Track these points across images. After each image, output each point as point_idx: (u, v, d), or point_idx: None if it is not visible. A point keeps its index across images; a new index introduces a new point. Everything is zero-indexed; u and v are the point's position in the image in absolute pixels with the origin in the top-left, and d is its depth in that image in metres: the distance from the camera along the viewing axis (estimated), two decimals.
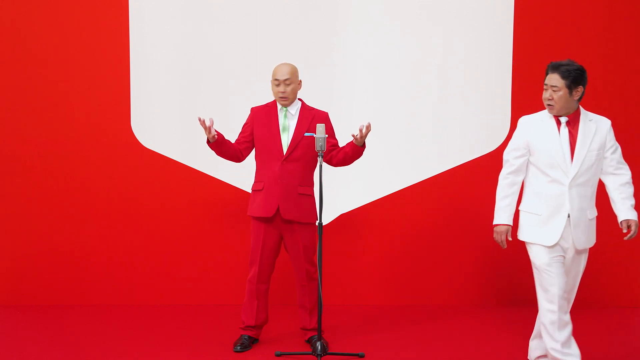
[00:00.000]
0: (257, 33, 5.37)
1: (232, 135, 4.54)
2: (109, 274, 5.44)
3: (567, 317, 3.86)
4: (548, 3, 5.39)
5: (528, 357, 4.21)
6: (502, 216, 3.97)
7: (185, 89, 5.40)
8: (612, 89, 5.39)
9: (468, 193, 5.49)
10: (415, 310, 5.36)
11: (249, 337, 4.54)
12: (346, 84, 5.42)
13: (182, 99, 5.40)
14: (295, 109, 4.47)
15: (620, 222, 3.87)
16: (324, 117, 4.48)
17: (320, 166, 4.17)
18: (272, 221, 4.42)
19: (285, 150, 4.40)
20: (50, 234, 5.41)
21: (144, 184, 5.42)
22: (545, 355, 4.05)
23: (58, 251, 5.41)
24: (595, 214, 3.93)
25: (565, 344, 3.81)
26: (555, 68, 3.79)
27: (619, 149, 3.93)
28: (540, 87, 5.22)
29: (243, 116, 4.57)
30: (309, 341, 4.53)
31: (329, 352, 4.36)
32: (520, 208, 4.00)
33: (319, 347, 4.27)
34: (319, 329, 4.31)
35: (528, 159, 3.92)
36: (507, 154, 4.00)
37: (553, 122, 3.86)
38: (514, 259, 5.29)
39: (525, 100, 5.37)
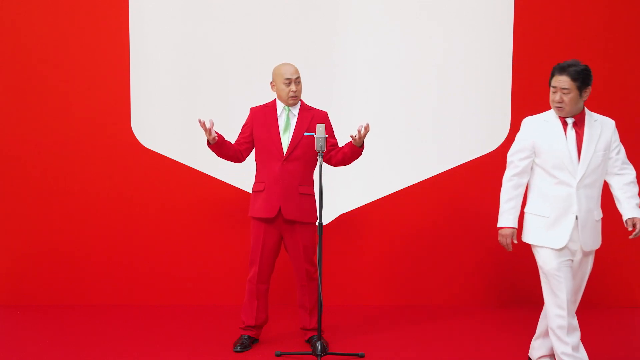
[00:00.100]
0: (257, 33, 5.37)
1: (232, 135, 4.54)
2: (109, 274, 5.44)
3: (576, 322, 3.82)
4: (548, 3, 5.39)
5: (529, 355, 4.20)
6: (507, 219, 3.91)
7: (185, 89, 5.40)
8: (612, 89, 5.39)
9: (468, 193, 5.49)
10: (415, 310, 5.36)
11: (249, 337, 4.54)
12: (346, 84, 5.42)
13: (182, 98, 5.39)
14: (296, 109, 4.47)
15: (625, 220, 3.83)
16: (323, 117, 4.48)
17: (320, 166, 4.17)
18: (273, 221, 4.42)
19: (285, 150, 4.40)
20: (50, 234, 5.40)
21: (144, 184, 5.42)
22: (547, 356, 4.04)
23: (58, 251, 5.41)
24: (601, 215, 3.90)
25: (575, 348, 3.79)
26: (563, 69, 3.72)
27: (623, 149, 3.90)
28: (540, 87, 5.25)
29: (243, 116, 4.57)
30: (309, 341, 4.53)
31: (329, 352, 4.36)
32: (525, 210, 3.94)
33: (319, 347, 4.27)
34: (319, 329, 4.31)
35: (533, 161, 3.87)
36: (511, 156, 3.93)
37: (559, 122, 3.81)
38: (514, 259, 5.28)
39: (525, 100, 5.37)
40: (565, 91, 3.72)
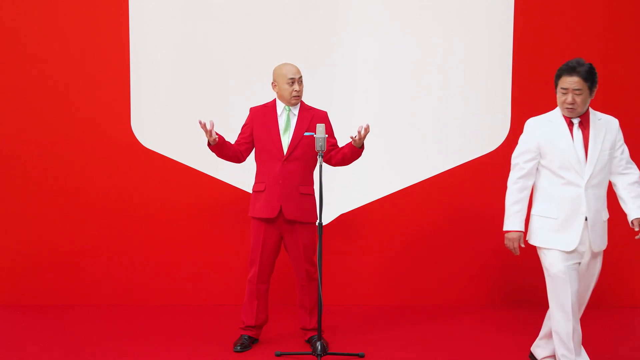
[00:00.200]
0: (257, 33, 5.37)
1: (232, 135, 4.54)
2: (109, 274, 5.44)
3: (579, 327, 3.80)
4: (548, 3, 5.39)
5: (531, 350, 4.15)
6: (513, 222, 3.84)
7: (186, 89, 5.40)
8: (613, 89, 5.38)
9: (468, 193, 5.49)
10: (415, 310, 5.36)
11: (249, 337, 4.54)
12: (346, 84, 5.42)
13: (182, 98, 5.39)
14: (296, 109, 4.47)
15: (631, 221, 3.79)
16: (323, 117, 4.48)
17: (320, 166, 4.17)
18: (273, 221, 4.42)
19: (285, 150, 4.39)
20: (50, 234, 5.40)
21: (144, 184, 5.42)
22: (551, 356, 4.02)
23: (58, 251, 5.41)
24: (608, 215, 3.85)
25: (578, 353, 3.78)
26: (572, 70, 3.67)
27: (627, 149, 3.87)
28: (540, 87, 5.26)
29: (243, 116, 4.57)
30: (309, 341, 4.52)
31: (329, 352, 4.36)
32: (532, 212, 3.87)
33: (319, 347, 4.27)
34: (319, 329, 4.31)
35: (539, 162, 3.82)
36: (515, 158, 3.87)
37: (564, 123, 3.77)
38: (514, 259, 5.26)
39: (525, 100, 5.37)
40: (577, 92, 3.68)
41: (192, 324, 5.01)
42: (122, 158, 5.40)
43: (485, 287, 5.54)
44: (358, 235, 5.51)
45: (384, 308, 5.42)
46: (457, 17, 5.39)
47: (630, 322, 5.23)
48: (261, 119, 4.46)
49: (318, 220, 4.23)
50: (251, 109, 4.56)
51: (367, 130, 4.25)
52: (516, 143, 3.95)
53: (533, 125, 3.86)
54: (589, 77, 3.68)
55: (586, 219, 3.72)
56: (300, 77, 4.42)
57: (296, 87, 4.39)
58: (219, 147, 4.35)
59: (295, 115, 4.46)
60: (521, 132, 3.95)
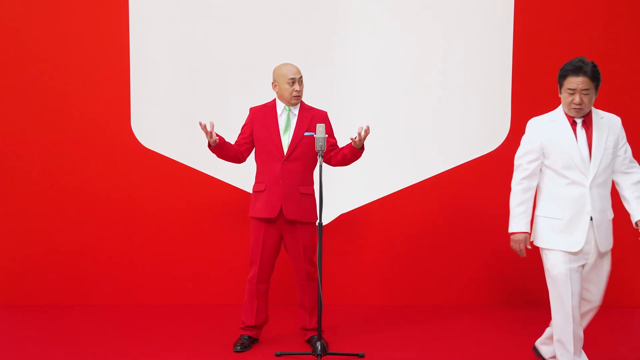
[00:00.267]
0: (257, 33, 5.37)
1: (232, 135, 4.54)
2: (109, 274, 5.44)
3: (581, 332, 3.78)
4: (548, 3, 5.39)
5: (537, 346, 4.14)
6: (519, 224, 3.80)
7: (185, 89, 5.40)
8: (612, 89, 5.38)
9: (468, 193, 5.49)
10: (415, 310, 5.36)
11: (249, 337, 4.54)
12: (346, 84, 5.42)
13: (182, 98, 5.40)
14: (296, 109, 4.47)
15: (635, 222, 3.76)
16: (323, 117, 4.48)
17: (320, 166, 4.17)
18: (273, 221, 4.42)
19: (285, 150, 4.39)
20: (50, 234, 5.41)
21: (144, 184, 5.42)
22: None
23: (58, 251, 5.41)
24: (612, 215, 3.81)
25: (578, 355, 3.77)
26: (579, 70, 3.63)
27: (629, 147, 3.83)
28: (540, 87, 5.27)
29: (242, 116, 4.57)
30: (309, 341, 4.52)
31: (329, 352, 4.36)
32: (536, 213, 3.83)
33: (319, 347, 4.27)
34: (319, 329, 4.31)
35: (542, 162, 3.79)
36: (519, 159, 3.83)
37: (567, 122, 3.74)
38: (514, 259, 5.26)
39: (525, 100, 5.37)
40: (585, 92, 3.64)
41: (192, 324, 5.01)
42: (122, 158, 5.40)
43: (485, 287, 5.54)
44: (358, 235, 5.51)
45: (384, 308, 5.42)
46: (457, 17, 5.39)
47: (630, 322, 5.23)
48: (261, 119, 4.46)
49: (318, 220, 4.23)
50: (251, 109, 4.56)
51: (367, 131, 4.25)
52: (516, 143, 3.93)
53: (535, 125, 3.82)
54: (595, 76, 3.65)
55: (591, 219, 3.69)
56: (301, 77, 4.42)
57: (296, 87, 4.39)
58: (220, 148, 4.34)
59: (295, 115, 4.46)
60: (521, 131, 3.94)
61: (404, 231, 5.51)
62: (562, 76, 3.71)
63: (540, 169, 3.81)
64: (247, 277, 4.54)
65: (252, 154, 4.54)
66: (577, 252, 3.70)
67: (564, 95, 3.72)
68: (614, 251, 5.39)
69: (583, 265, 3.75)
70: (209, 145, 4.34)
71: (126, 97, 5.37)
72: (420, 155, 5.47)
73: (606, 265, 3.83)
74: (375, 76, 5.42)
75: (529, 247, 3.85)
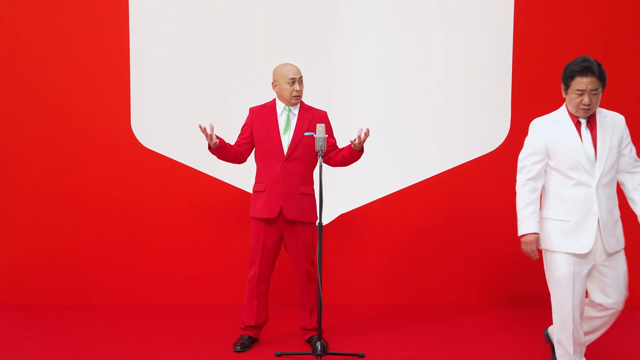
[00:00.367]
0: (257, 33, 5.37)
1: (231, 135, 4.54)
2: (109, 274, 5.44)
3: (582, 336, 3.77)
4: (548, 3, 5.39)
5: (548, 332, 4.07)
6: (528, 225, 3.72)
7: (185, 89, 5.40)
8: (612, 89, 5.36)
9: (468, 193, 5.49)
10: (415, 310, 5.36)
11: (249, 337, 4.54)
12: (346, 84, 5.42)
13: (182, 98, 5.40)
14: (296, 109, 4.47)
15: None
16: (323, 117, 4.48)
17: (320, 166, 4.17)
18: (273, 222, 4.42)
19: (285, 150, 4.39)
20: (50, 234, 5.40)
21: (144, 184, 5.42)
22: None
23: (58, 251, 5.41)
24: (619, 214, 3.76)
25: (578, 356, 3.76)
26: (587, 70, 3.57)
27: (634, 147, 3.79)
28: (540, 87, 5.27)
29: (242, 116, 4.57)
30: (309, 341, 4.52)
31: (329, 352, 4.36)
32: (542, 216, 3.76)
33: (319, 347, 4.27)
34: (319, 329, 4.31)
35: (547, 163, 3.73)
36: (523, 160, 3.77)
37: (571, 122, 3.69)
38: (514, 259, 5.28)
39: (525, 100, 5.37)
40: (594, 92, 3.59)
41: (192, 324, 5.01)
42: (122, 158, 5.40)
43: (485, 287, 5.54)
44: (358, 235, 5.51)
45: (384, 308, 5.42)
46: (457, 17, 5.39)
47: (630, 322, 5.22)
48: (261, 119, 4.46)
49: (318, 220, 4.22)
50: (251, 109, 4.55)
51: (367, 134, 4.24)
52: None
53: (539, 126, 3.76)
54: (602, 75, 3.61)
55: (599, 220, 3.63)
56: (301, 77, 4.42)
57: (296, 87, 4.39)
58: (220, 150, 4.34)
59: (295, 115, 4.46)
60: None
61: (404, 231, 5.51)
62: (570, 77, 3.64)
63: (545, 171, 3.76)
64: (247, 277, 4.53)
65: (252, 154, 4.54)
66: (586, 254, 3.65)
67: (571, 96, 3.65)
68: None
69: (590, 269, 3.70)
70: (209, 148, 4.34)
71: (126, 97, 5.37)
72: (420, 155, 5.47)
73: (622, 266, 3.75)
74: (375, 76, 5.42)
75: (541, 247, 3.79)
